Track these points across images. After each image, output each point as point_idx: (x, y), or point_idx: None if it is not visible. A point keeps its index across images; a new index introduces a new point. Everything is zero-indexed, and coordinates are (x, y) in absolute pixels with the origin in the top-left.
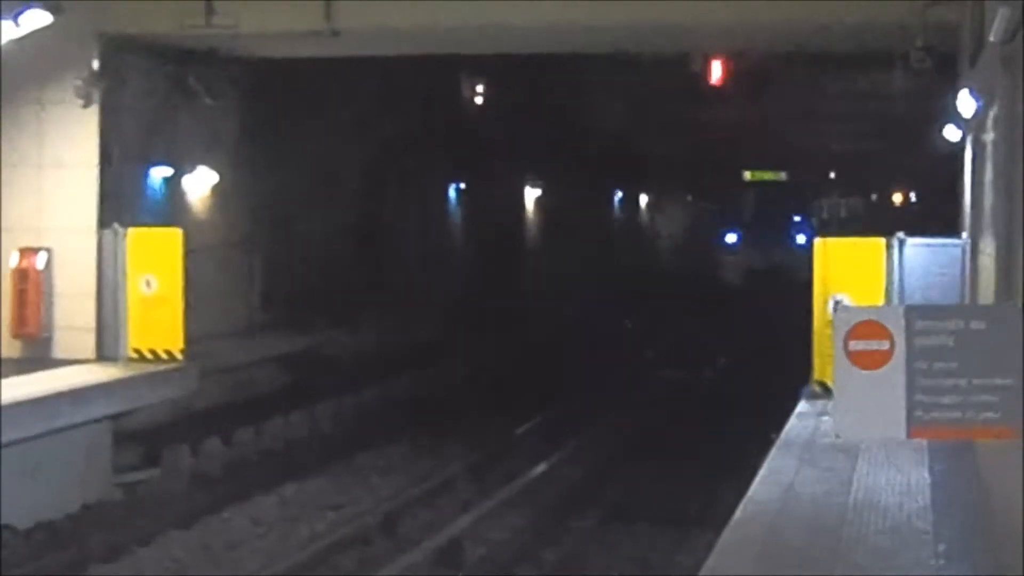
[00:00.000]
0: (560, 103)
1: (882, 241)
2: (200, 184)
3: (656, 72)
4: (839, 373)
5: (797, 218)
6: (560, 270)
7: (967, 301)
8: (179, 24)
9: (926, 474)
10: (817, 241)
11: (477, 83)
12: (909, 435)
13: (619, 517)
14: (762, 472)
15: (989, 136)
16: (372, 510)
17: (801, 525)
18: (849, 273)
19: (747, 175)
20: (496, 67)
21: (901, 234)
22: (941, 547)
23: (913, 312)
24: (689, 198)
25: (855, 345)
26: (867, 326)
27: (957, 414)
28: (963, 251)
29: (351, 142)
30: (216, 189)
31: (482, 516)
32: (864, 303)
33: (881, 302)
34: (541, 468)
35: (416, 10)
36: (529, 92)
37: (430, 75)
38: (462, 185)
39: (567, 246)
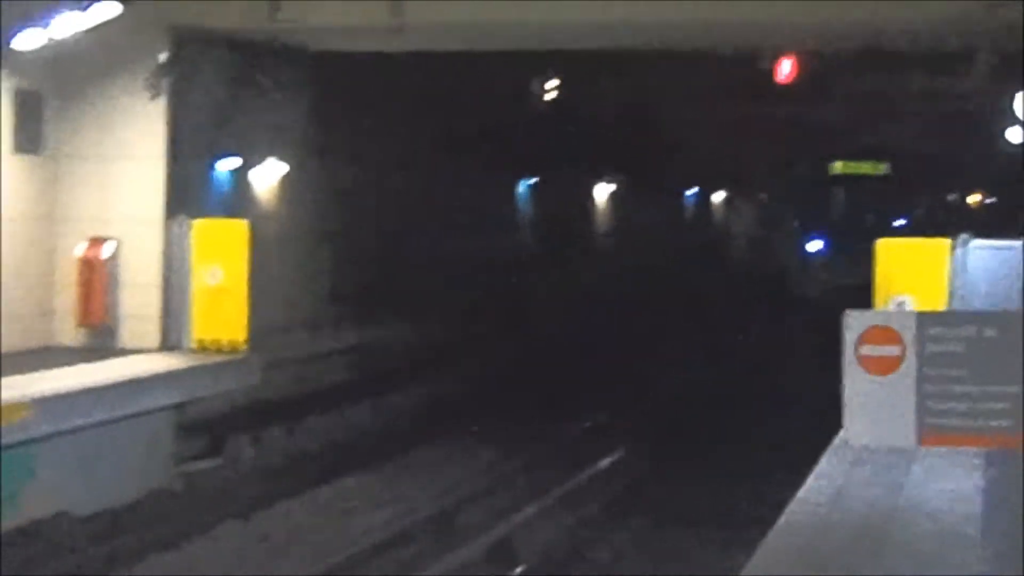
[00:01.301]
0: (632, 99)
1: (947, 242)
2: (268, 176)
3: (725, 69)
4: (849, 378)
5: (901, 220)
6: (628, 270)
7: None
8: (245, 17)
9: (980, 479)
10: (879, 242)
11: (548, 79)
12: (919, 442)
13: None
14: (813, 474)
15: None
16: (430, 504)
17: (847, 528)
18: (912, 275)
19: (836, 166)
20: (569, 63)
21: (965, 235)
22: (987, 552)
23: (925, 318)
24: (763, 196)
25: (866, 350)
26: (878, 331)
27: (968, 422)
28: None
29: (420, 136)
30: (284, 181)
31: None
32: (927, 305)
33: (944, 304)
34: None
35: (483, 6)
36: (601, 88)
37: (501, 71)
38: (532, 181)
39: (637, 245)
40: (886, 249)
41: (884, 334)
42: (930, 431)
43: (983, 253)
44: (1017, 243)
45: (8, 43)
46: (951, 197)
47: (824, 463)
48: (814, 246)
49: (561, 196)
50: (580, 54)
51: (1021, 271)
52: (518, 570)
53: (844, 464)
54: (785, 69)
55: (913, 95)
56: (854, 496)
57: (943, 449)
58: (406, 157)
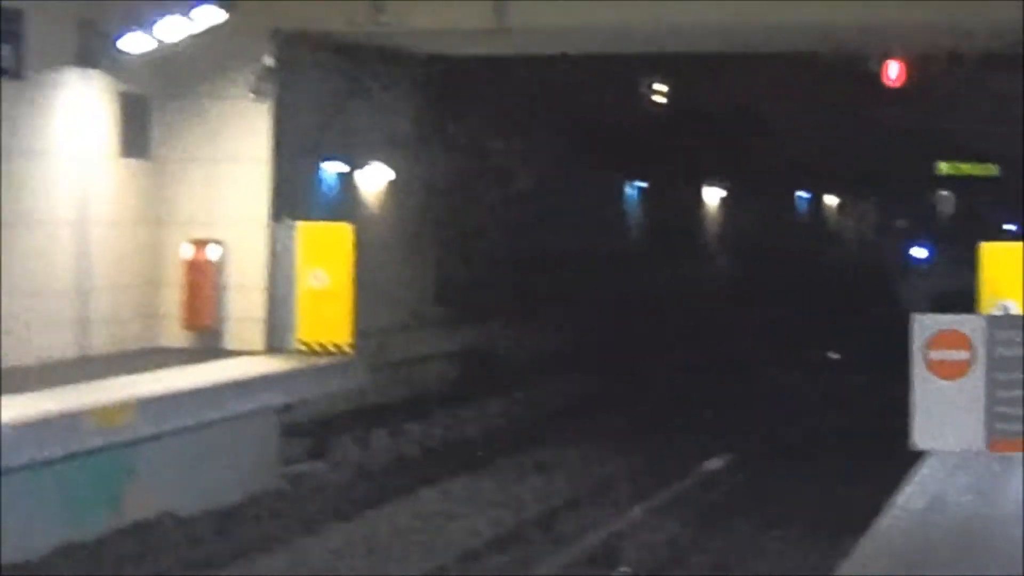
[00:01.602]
0: (741, 102)
1: None
2: (374, 179)
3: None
4: (917, 382)
5: (1011, 226)
6: (738, 275)
7: None
8: (348, 21)
9: None
10: (984, 246)
11: (657, 82)
12: (989, 448)
13: None
14: (912, 479)
15: None
16: (533, 507)
17: (942, 535)
18: (1017, 279)
19: (942, 167)
20: (678, 66)
21: None
22: None
23: (995, 322)
24: (875, 199)
25: (935, 355)
26: (947, 335)
27: None
28: None
29: (526, 140)
30: (390, 185)
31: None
32: None
33: None
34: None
35: (587, 9)
36: (711, 92)
37: (608, 73)
38: (640, 184)
39: (747, 250)
40: (991, 253)
41: (953, 338)
42: (1000, 436)
43: None
44: None
45: (115, 46)
46: None
47: (924, 469)
48: (919, 252)
49: (671, 199)
50: (689, 57)
51: None
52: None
53: (944, 471)
54: (894, 71)
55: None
56: (950, 503)
57: None
58: (514, 160)
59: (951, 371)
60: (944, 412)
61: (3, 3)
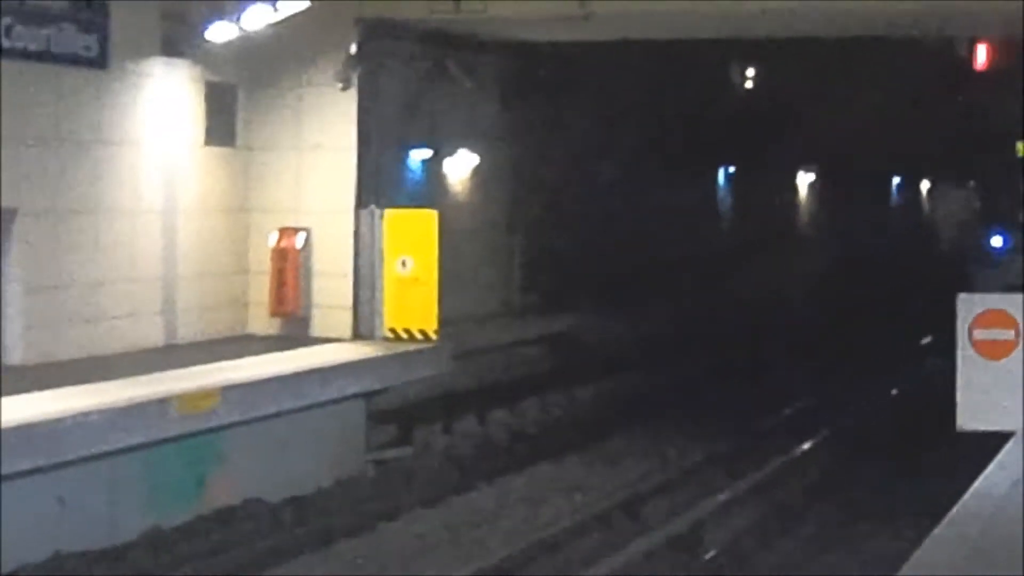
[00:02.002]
0: (831, 87)
1: None
2: (461, 166)
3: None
4: (963, 362)
5: None
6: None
7: None
8: (430, 9)
9: None
10: None
11: (748, 67)
12: None
13: None
14: (992, 465)
15: None
16: (617, 493)
17: (1020, 521)
18: None
19: (1020, 148)
20: (769, 51)
21: None
22: None
23: None
24: (972, 183)
25: (980, 334)
26: (993, 315)
27: None
28: None
29: (615, 126)
30: (476, 171)
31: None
32: None
33: None
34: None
35: None
36: (802, 77)
37: (698, 58)
38: (731, 170)
39: (838, 236)
40: None
41: (998, 318)
42: None
43: None
44: None
45: (201, 35)
46: None
47: (1004, 455)
48: (996, 241)
49: (762, 185)
50: (778, 42)
51: None
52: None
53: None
54: (982, 55)
55: None
56: None
57: None
58: (601, 147)
59: (997, 351)
60: (990, 392)
61: None
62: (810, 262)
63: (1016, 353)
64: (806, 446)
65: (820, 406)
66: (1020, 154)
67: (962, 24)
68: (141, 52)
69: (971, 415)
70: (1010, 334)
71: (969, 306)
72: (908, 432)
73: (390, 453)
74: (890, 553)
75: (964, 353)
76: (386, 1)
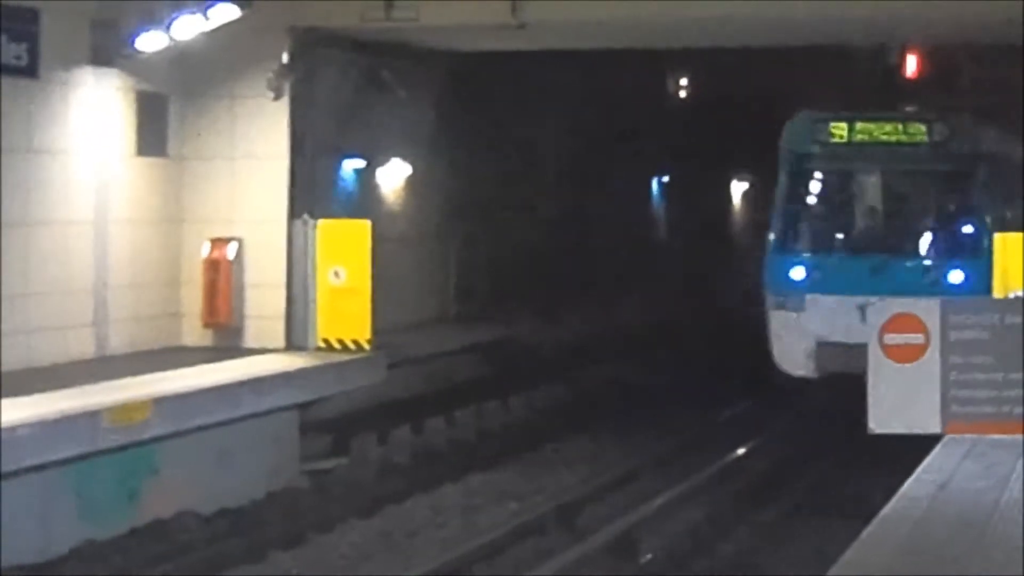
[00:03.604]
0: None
1: None
2: (394, 176)
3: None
4: (874, 366)
5: None
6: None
7: None
8: (361, 17)
9: None
10: (997, 236)
11: (681, 77)
12: (945, 430)
13: None
14: (921, 467)
15: None
16: (551, 501)
17: (948, 521)
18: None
19: None
20: (702, 62)
21: None
22: None
23: (949, 306)
24: None
25: (890, 339)
26: (902, 319)
27: (992, 408)
28: None
29: (550, 135)
30: (410, 181)
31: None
32: None
33: None
34: None
35: (601, 5)
36: (734, 87)
37: (632, 69)
38: (666, 179)
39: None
40: (1003, 243)
41: (908, 322)
42: (956, 418)
43: None
44: None
45: (131, 44)
46: None
47: (934, 456)
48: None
49: (696, 192)
50: (710, 51)
51: None
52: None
53: (956, 456)
54: (912, 64)
55: None
56: (960, 487)
57: None
58: (534, 156)
59: (907, 355)
60: (901, 395)
61: (18, 2)
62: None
63: (927, 356)
64: (742, 450)
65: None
66: None
67: (891, 33)
68: (71, 61)
69: (883, 418)
70: (920, 338)
71: (879, 311)
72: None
73: (325, 464)
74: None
75: (874, 358)
76: (318, 8)
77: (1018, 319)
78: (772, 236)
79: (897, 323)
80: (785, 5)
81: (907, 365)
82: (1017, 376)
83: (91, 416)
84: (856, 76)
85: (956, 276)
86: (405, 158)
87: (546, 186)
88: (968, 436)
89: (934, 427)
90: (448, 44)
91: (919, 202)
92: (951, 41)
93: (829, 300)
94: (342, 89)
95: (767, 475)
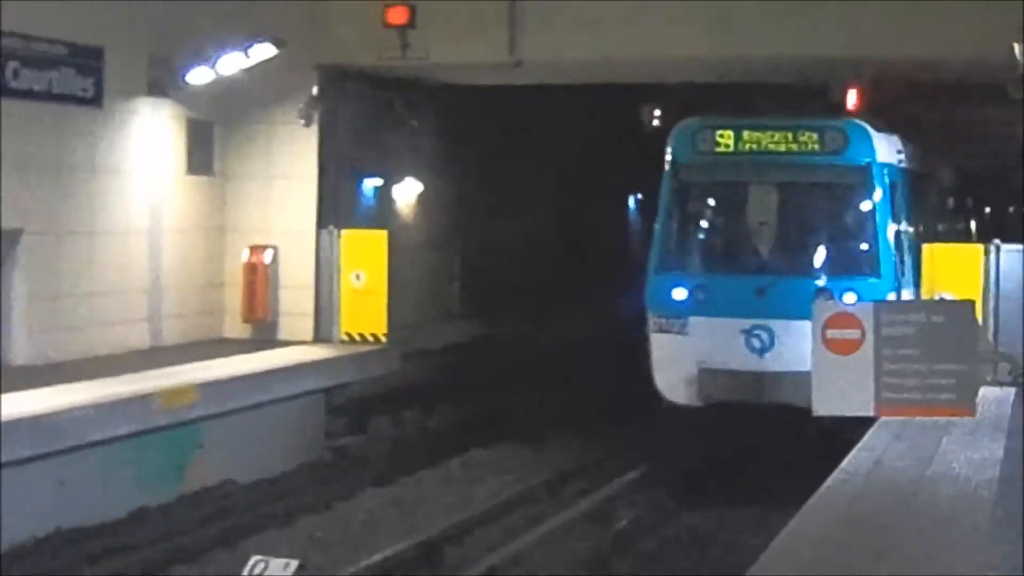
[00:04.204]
0: None
1: (980, 247)
2: (407, 193)
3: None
4: (816, 357)
5: None
6: None
7: None
8: (379, 56)
9: (1000, 451)
10: (926, 247)
11: (655, 108)
12: (877, 413)
13: None
14: (857, 446)
15: None
16: (542, 474)
17: (880, 494)
18: (953, 275)
19: None
20: (673, 95)
21: (997, 241)
22: (999, 513)
23: (880, 307)
24: None
25: (831, 334)
26: (841, 317)
27: (919, 395)
28: None
29: (542, 158)
30: (421, 197)
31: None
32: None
33: (979, 298)
34: None
35: (587, 44)
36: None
37: (610, 101)
38: (639, 196)
39: None
40: (931, 253)
41: (846, 320)
42: (886, 403)
43: (1014, 257)
44: None
45: (183, 78)
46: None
47: (869, 436)
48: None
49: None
50: (681, 86)
51: None
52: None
53: (887, 437)
54: (852, 99)
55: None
56: (890, 464)
57: (970, 423)
58: (529, 177)
59: (845, 348)
60: (840, 383)
61: (85, 41)
62: None
63: (862, 349)
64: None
65: None
66: None
67: (837, 71)
68: (130, 93)
69: (825, 403)
70: (856, 333)
71: (822, 311)
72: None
73: (345, 441)
74: None
75: (817, 351)
76: (343, 49)
77: (941, 319)
78: (653, 253)
79: (836, 320)
80: (737, 44)
81: (845, 357)
82: (940, 367)
83: (145, 399)
84: (803, 109)
85: (850, 298)
86: (417, 177)
87: (536, 203)
88: (898, 419)
89: (868, 411)
90: (453, 79)
91: (811, 217)
92: (887, 78)
93: (713, 323)
94: (363, 118)
95: None
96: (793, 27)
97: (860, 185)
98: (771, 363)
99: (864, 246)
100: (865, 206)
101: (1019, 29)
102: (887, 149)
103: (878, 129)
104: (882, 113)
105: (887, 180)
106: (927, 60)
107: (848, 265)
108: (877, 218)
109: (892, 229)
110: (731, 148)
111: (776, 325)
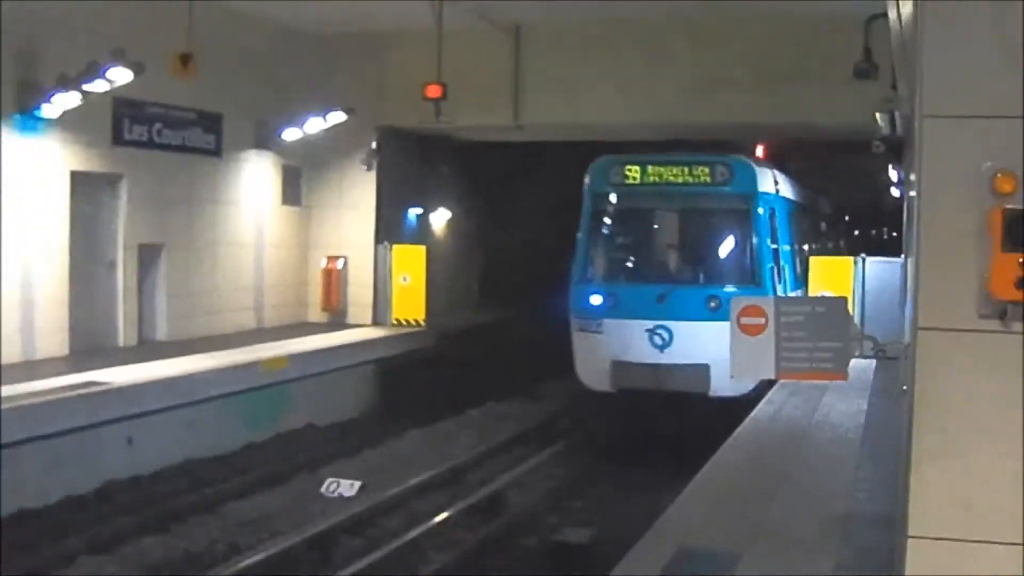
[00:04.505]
0: None
1: (851, 259)
2: (439, 218)
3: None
4: (734, 338)
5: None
6: None
7: (905, 303)
8: (419, 120)
9: (865, 405)
10: (812, 259)
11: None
12: (777, 377)
13: None
14: (762, 402)
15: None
16: (537, 418)
17: (778, 433)
18: (831, 279)
19: None
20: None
21: (864, 254)
22: (864, 449)
23: (779, 301)
24: None
25: (744, 320)
26: (751, 308)
27: (807, 364)
28: (902, 266)
29: (538, 192)
30: (449, 221)
31: None
32: None
33: (851, 300)
34: None
35: (568, 114)
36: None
37: (587, 152)
38: None
39: None
40: (816, 263)
41: (755, 310)
42: (784, 369)
43: (875, 267)
44: (898, 259)
45: (279, 135)
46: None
47: (772, 394)
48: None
49: None
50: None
51: (900, 277)
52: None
53: (784, 395)
54: (759, 153)
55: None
56: (786, 415)
57: (844, 385)
58: (528, 205)
59: (754, 331)
60: (750, 356)
61: (209, 109)
62: None
63: (766, 332)
64: None
65: None
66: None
67: (743, 132)
68: (241, 146)
69: (740, 372)
70: (762, 320)
71: (737, 303)
72: None
73: (394, 396)
74: None
75: (734, 332)
76: (393, 114)
77: (823, 309)
78: (574, 267)
79: (748, 311)
80: (672, 112)
81: (754, 337)
82: (822, 344)
83: (251, 365)
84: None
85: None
86: (446, 207)
87: (537, 226)
88: (792, 382)
89: (771, 375)
90: (473, 137)
91: (701, 237)
92: (784, 137)
93: (623, 324)
94: (408, 164)
95: None
96: (713, 104)
97: (743, 210)
98: (670, 357)
99: (746, 260)
100: (747, 227)
101: (878, 103)
102: (767, 181)
103: (760, 166)
104: (781, 161)
105: (767, 206)
106: (814, 125)
107: (733, 276)
108: (757, 237)
109: (770, 246)
110: (638, 180)
111: (674, 326)
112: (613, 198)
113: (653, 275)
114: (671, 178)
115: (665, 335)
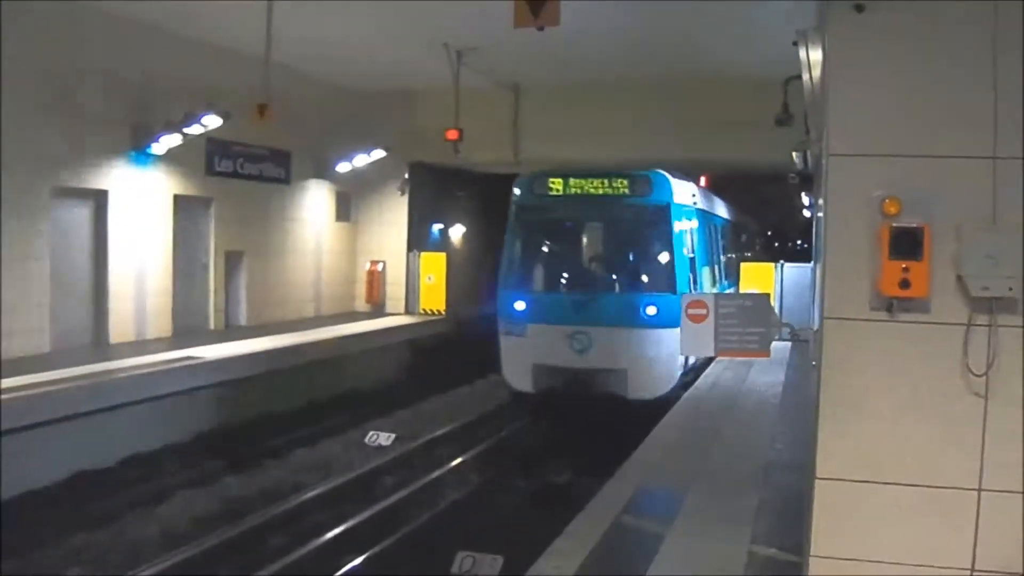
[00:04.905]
0: None
1: (773, 264)
2: (457, 232)
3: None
4: (683, 325)
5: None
6: None
7: (814, 298)
8: (442, 156)
9: (783, 377)
10: (743, 265)
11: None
12: (716, 355)
13: None
14: (703, 374)
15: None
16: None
17: (715, 399)
18: (757, 280)
19: None
20: None
21: (783, 260)
22: (783, 412)
23: (717, 296)
24: None
25: (690, 311)
26: (696, 302)
27: (739, 344)
28: (811, 270)
29: None
30: (464, 235)
31: None
32: None
33: (772, 293)
34: None
35: (557, 151)
36: None
37: None
38: None
39: None
40: (746, 269)
41: (699, 303)
42: (721, 349)
43: (791, 271)
44: (808, 264)
45: (334, 168)
46: (783, 242)
47: (710, 369)
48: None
49: None
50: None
51: (810, 279)
52: None
53: (720, 369)
54: (702, 182)
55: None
56: (722, 385)
57: (766, 361)
58: None
59: (698, 319)
60: (696, 338)
61: (280, 147)
62: None
63: (707, 320)
64: None
65: None
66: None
67: (694, 165)
68: (305, 176)
69: (688, 349)
70: (704, 310)
71: (686, 298)
72: None
73: (420, 368)
74: None
75: (683, 320)
76: (421, 152)
77: (750, 303)
78: (501, 274)
79: (693, 304)
80: (644, 150)
81: (698, 324)
82: (750, 329)
83: (312, 344)
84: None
85: (651, 310)
86: (462, 223)
87: None
88: (726, 359)
89: (711, 353)
90: (483, 170)
91: (620, 246)
92: (724, 171)
93: (545, 329)
94: (432, 190)
95: None
96: (674, 143)
97: (660, 221)
98: (589, 361)
99: (663, 268)
100: (664, 237)
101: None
102: (684, 194)
103: (680, 179)
104: (721, 188)
105: (682, 218)
106: (746, 161)
107: (650, 283)
108: (673, 246)
109: (686, 255)
110: (560, 192)
111: (593, 331)
112: (536, 210)
113: (573, 282)
114: (591, 190)
115: (584, 340)
